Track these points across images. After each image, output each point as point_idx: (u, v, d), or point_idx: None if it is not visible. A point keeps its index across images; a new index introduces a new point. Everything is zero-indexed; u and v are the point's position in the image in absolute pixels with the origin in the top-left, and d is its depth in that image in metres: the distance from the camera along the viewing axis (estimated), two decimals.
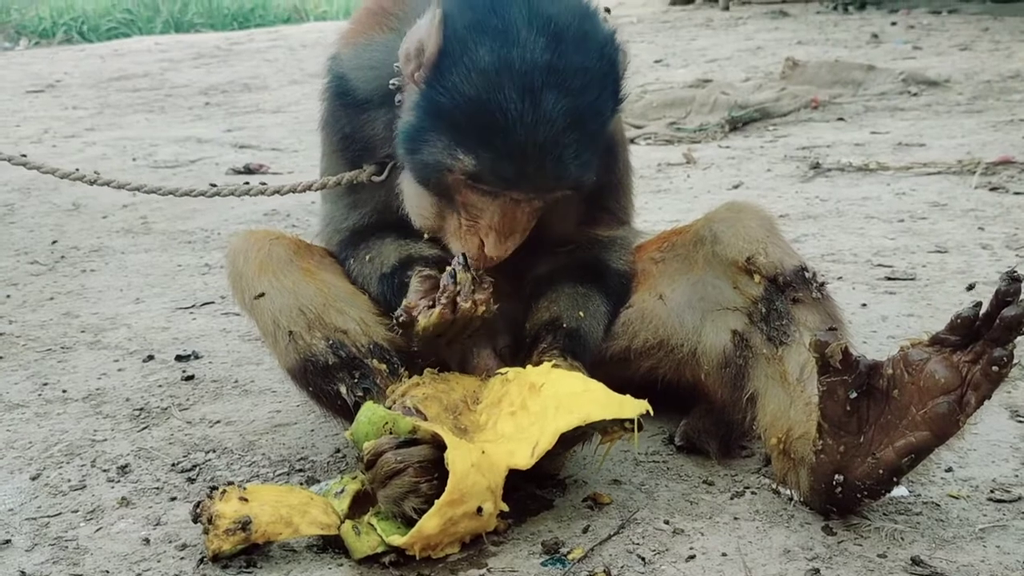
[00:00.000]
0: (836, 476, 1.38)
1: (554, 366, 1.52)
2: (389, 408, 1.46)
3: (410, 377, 1.56)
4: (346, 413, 1.55)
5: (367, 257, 1.66)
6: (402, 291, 1.55)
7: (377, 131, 1.62)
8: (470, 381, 1.58)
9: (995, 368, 1.24)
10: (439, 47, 1.40)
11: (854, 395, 1.32)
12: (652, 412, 1.42)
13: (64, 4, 13.98)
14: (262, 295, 1.58)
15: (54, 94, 7.12)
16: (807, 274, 1.59)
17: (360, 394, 1.54)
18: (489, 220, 1.47)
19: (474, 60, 1.37)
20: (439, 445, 1.37)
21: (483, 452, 1.37)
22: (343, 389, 1.55)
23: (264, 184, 1.85)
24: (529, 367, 1.53)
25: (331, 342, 1.56)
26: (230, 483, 1.45)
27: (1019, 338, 1.24)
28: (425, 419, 1.44)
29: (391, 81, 1.53)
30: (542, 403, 1.42)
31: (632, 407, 1.41)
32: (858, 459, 1.36)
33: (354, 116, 1.64)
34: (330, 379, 1.56)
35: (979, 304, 1.27)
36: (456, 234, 1.52)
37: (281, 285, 1.58)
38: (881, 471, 1.34)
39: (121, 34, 12.81)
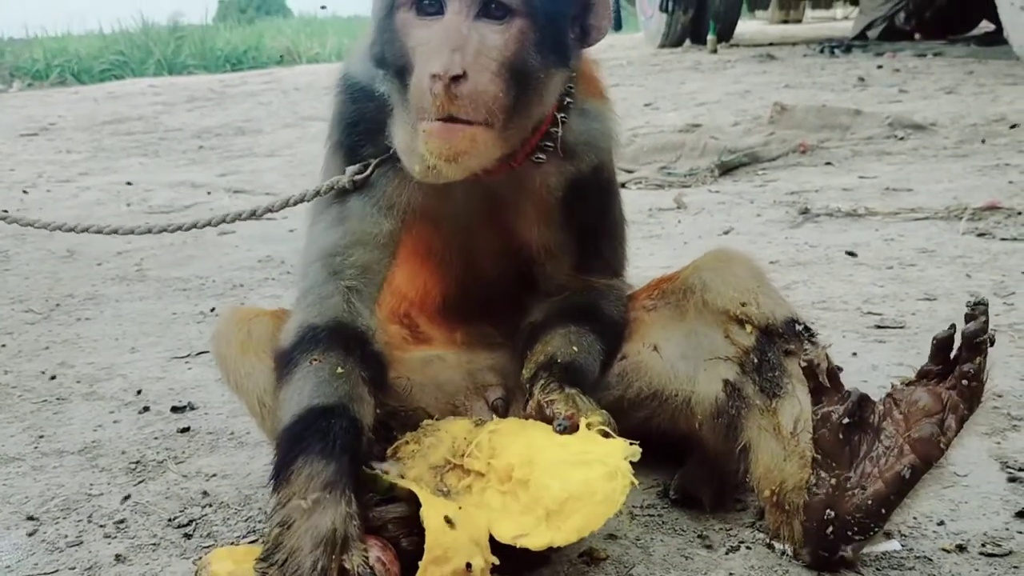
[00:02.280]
0: (827, 512, 1.41)
1: (550, 395, 1.54)
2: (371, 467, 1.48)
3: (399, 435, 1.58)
4: None
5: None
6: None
7: (375, 124, 1.61)
8: (460, 428, 1.57)
9: (965, 383, 1.34)
10: None
11: (846, 421, 1.39)
12: (637, 484, 1.40)
13: (57, 46, 14.09)
14: None
15: (48, 137, 7.15)
16: (798, 326, 1.60)
17: None
18: (433, 42, 1.43)
19: None
20: (418, 503, 1.38)
21: (459, 508, 1.38)
22: None
23: (254, 209, 1.82)
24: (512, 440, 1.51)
25: None
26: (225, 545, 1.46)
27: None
28: (403, 478, 1.46)
29: None
30: (534, 496, 1.40)
31: (622, 487, 1.38)
32: (848, 492, 1.40)
33: (360, 106, 1.64)
34: None
35: (954, 325, 1.37)
36: (414, 88, 1.45)
37: (263, 364, 1.60)
38: (871, 502, 1.38)
39: (114, 76, 12.91)
